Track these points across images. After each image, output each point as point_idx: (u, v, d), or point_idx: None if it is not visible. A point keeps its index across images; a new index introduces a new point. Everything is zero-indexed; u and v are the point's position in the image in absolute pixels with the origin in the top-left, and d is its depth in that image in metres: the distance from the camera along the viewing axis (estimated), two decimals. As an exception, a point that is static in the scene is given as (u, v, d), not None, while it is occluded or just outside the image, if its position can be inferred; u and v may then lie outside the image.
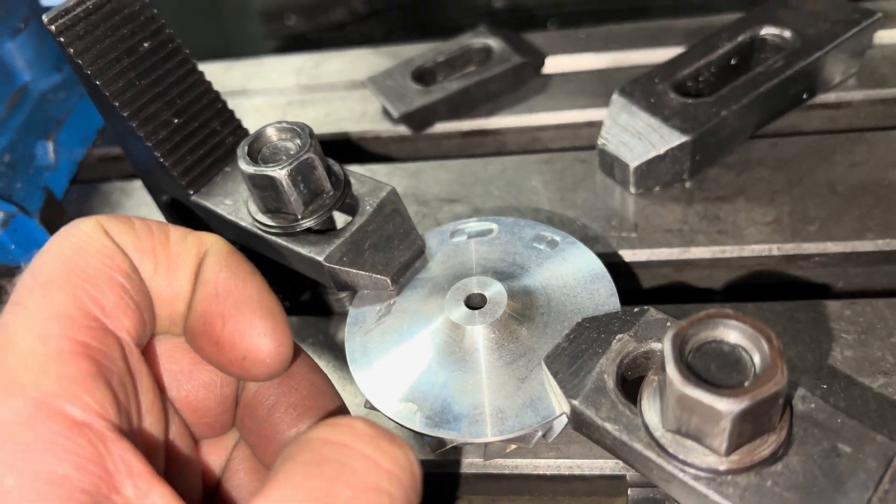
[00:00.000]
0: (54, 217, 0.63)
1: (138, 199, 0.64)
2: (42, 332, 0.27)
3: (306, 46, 1.51)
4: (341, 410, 0.36)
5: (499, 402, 0.39)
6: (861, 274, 0.51)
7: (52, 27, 0.45)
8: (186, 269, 0.32)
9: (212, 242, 0.34)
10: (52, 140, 0.66)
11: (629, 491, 0.41)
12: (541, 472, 0.42)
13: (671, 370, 0.30)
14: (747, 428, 0.30)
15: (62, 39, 0.45)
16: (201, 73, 0.50)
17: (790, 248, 0.50)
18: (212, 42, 1.74)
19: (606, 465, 0.42)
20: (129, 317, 0.29)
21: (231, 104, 0.69)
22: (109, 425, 0.26)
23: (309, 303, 0.57)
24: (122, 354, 0.29)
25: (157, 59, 0.48)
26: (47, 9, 0.80)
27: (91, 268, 0.29)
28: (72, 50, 0.45)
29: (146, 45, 0.48)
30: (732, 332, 0.31)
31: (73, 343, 0.27)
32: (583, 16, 1.25)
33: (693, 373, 0.30)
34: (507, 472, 0.43)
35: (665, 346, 0.31)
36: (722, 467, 0.31)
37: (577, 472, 0.42)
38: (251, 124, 0.68)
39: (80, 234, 0.30)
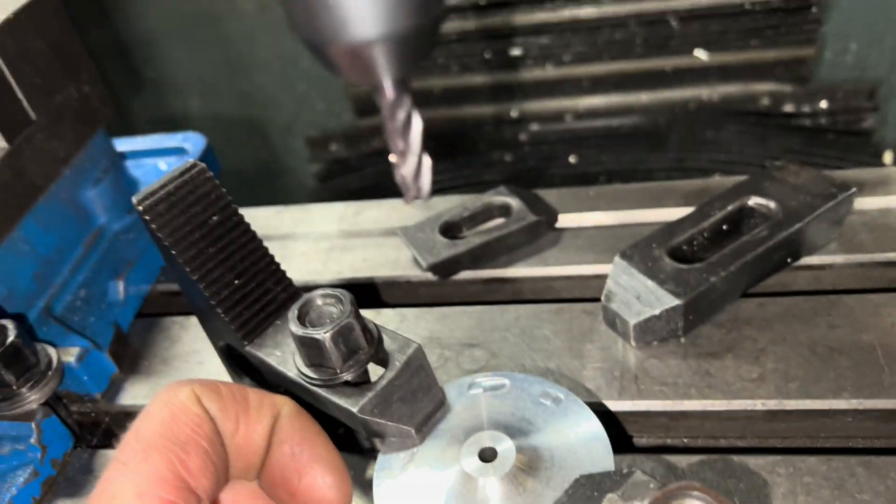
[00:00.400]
0: (122, 350, 0.71)
1: (194, 335, 0.72)
2: (140, 490, 0.34)
3: (347, 170, 1.64)
4: None
5: (505, 548, 0.45)
6: (839, 429, 0.57)
7: (140, 207, 0.55)
8: (262, 430, 0.40)
9: (283, 403, 0.41)
10: (122, 279, 0.75)
11: None
12: None
13: (646, 536, 0.36)
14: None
15: (147, 217, 0.54)
16: (260, 241, 0.58)
17: (773, 404, 0.56)
18: (263, 161, 1.88)
19: None
20: (209, 477, 0.36)
21: (281, 247, 0.78)
22: None
23: (343, 436, 0.63)
24: None
25: (223, 231, 0.57)
26: (124, 157, 0.91)
27: (183, 434, 0.36)
28: (154, 226, 0.54)
29: (215, 218, 0.57)
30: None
31: (163, 502, 0.34)
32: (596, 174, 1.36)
33: (665, 538, 0.36)
34: None
35: (642, 514, 0.37)
36: None
37: None
38: (298, 267, 0.77)
39: (177, 402, 0.38)
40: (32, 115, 0.70)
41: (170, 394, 0.38)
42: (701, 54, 1.35)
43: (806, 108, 1.37)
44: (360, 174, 1.55)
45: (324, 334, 0.51)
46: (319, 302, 0.54)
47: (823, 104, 1.37)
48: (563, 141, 1.42)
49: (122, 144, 0.91)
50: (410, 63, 0.28)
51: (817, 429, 0.57)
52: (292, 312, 0.53)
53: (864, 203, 0.70)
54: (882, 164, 1.31)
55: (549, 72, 1.39)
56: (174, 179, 0.56)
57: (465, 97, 1.45)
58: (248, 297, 0.58)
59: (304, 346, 0.52)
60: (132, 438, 0.36)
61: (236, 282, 0.57)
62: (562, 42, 1.36)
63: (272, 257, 0.59)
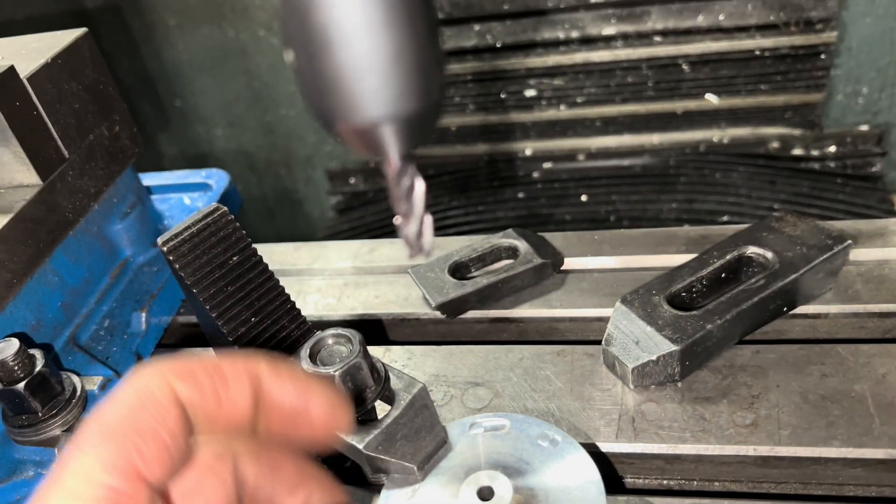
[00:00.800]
0: (141, 380, 0.74)
1: (212, 366, 0.75)
2: (89, 475, 0.35)
3: (365, 203, 1.68)
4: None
5: (500, 584, 0.47)
6: (830, 477, 0.58)
7: (164, 248, 0.58)
8: (245, 396, 0.41)
9: (258, 364, 0.42)
10: (145, 310, 0.79)
11: None
12: None
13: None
14: None
15: (171, 258, 0.58)
16: (276, 280, 0.62)
17: (765, 451, 0.58)
18: (284, 191, 1.92)
19: None
20: (164, 467, 0.37)
21: (297, 282, 0.81)
22: None
23: (349, 470, 0.66)
24: (149, 497, 0.36)
25: (242, 270, 0.60)
26: (150, 192, 0.95)
27: (145, 423, 0.37)
28: (177, 265, 0.58)
29: (235, 258, 0.60)
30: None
31: (109, 490, 0.34)
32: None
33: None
34: None
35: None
36: None
37: None
38: (314, 302, 0.80)
39: (146, 389, 0.38)
40: (66, 153, 0.74)
41: (141, 380, 0.38)
42: (711, 98, 1.39)
43: (815, 153, 1.40)
44: (377, 207, 1.59)
45: (333, 372, 0.53)
46: (330, 341, 0.57)
47: (832, 148, 1.40)
48: (575, 180, 1.45)
49: (149, 179, 0.95)
50: (414, 141, 0.31)
51: (809, 476, 0.59)
52: (304, 350, 0.56)
53: (860, 254, 0.73)
54: (889, 210, 1.33)
55: (563, 112, 1.43)
56: (198, 222, 0.60)
57: (481, 135, 1.49)
58: (262, 333, 0.61)
59: (314, 383, 0.55)
60: (94, 421, 0.37)
61: (252, 319, 0.60)
62: (575, 84, 1.40)
63: (288, 296, 0.63)
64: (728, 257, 0.69)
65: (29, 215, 0.70)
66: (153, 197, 0.94)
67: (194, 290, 0.58)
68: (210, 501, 0.39)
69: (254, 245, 0.62)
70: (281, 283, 0.62)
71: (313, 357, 0.56)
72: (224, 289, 0.59)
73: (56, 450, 0.65)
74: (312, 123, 1.78)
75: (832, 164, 1.39)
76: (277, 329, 0.61)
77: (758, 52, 1.32)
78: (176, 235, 0.59)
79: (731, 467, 0.60)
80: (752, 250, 0.69)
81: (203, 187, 0.95)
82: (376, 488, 0.60)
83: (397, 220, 0.35)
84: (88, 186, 0.78)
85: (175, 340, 0.81)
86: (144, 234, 0.86)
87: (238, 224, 0.61)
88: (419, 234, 0.35)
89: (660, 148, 1.42)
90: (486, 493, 0.51)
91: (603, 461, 0.60)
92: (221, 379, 0.41)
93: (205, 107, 1.88)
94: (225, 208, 0.60)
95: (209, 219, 0.60)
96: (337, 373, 0.53)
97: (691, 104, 1.39)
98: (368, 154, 0.31)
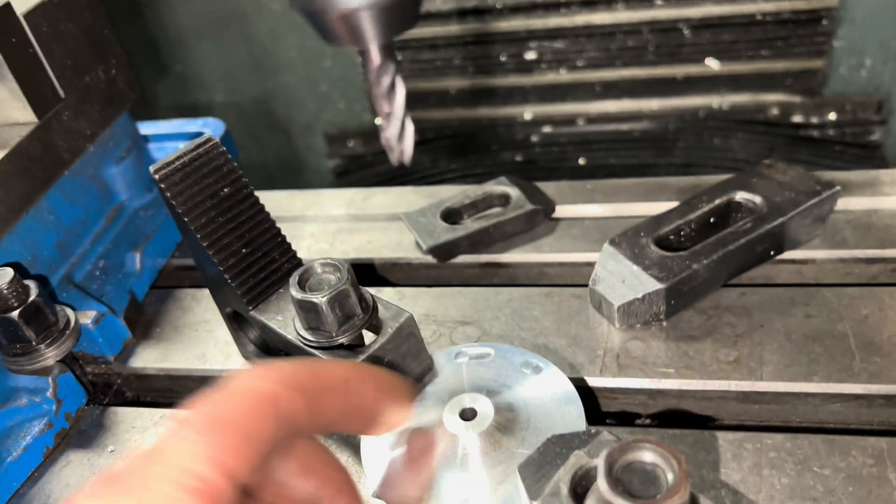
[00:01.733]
0: (136, 317, 0.75)
1: (205, 306, 0.76)
2: (183, 465, 0.34)
3: (363, 166, 1.68)
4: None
5: (479, 501, 0.48)
6: (809, 413, 0.59)
7: (156, 176, 0.59)
8: (337, 408, 0.41)
9: (350, 368, 0.42)
10: (139, 251, 0.79)
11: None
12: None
13: (601, 482, 0.39)
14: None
15: (162, 186, 0.59)
16: (267, 213, 0.62)
17: (746, 386, 0.59)
18: (283, 155, 1.92)
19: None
20: (249, 469, 0.36)
21: (292, 227, 0.82)
22: None
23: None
24: (235, 495, 0.35)
25: (233, 202, 0.61)
26: (146, 140, 0.96)
27: (246, 427, 0.36)
28: (169, 194, 0.58)
29: (226, 189, 0.61)
30: (652, 455, 0.40)
31: (200, 480, 0.34)
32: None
33: (620, 485, 0.39)
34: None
35: (599, 464, 0.40)
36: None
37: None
38: (307, 246, 0.81)
39: (255, 392, 0.37)
40: (62, 93, 0.75)
41: (250, 381, 0.38)
42: (712, 63, 1.38)
43: (814, 120, 1.40)
44: (376, 170, 1.59)
45: (321, 298, 0.54)
46: (319, 270, 0.57)
47: (832, 116, 1.39)
48: (574, 143, 1.45)
49: (146, 128, 0.96)
50: (394, 30, 0.31)
51: (789, 412, 0.60)
52: (293, 278, 0.57)
53: (850, 203, 0.73)
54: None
55: (563, 76, 1.43)
56: (189, 152, 0.60)
57: (480, 98, 1.49)
58: (253, 265, 0.61)
59: (302, 310, 0.56)
60: (200, 409, 0.37)
61: (244, 250, 0.61)
62: (576, 47, 1.39)
63: (279, 230, 0.63)
64: (717, 202, 0.69)
65: (24, 152, 0.71)
66: (150, 145, 0.94)
67: (185, 218, 0.59)
68: None
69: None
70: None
71: (302, 285, 0.56)
72: (215, 219, 0.60)
73: (49, 379, 0.66)
74: (313, 90, 1.78)
75: (831, 132, 1.39)
76: (268, 261, 0.62)
77: (759, 17, 1.32)
78: (168, 164, 0.59)
79: (713, 402, 0.61)
80: (741, 195, 0.70)
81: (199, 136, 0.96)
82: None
83: (378, 121, 0.36)
84: (84, 128, 0.78)
85: (170, 283, 0.82)
86: (140, 180, 0.86)
87: (230, 156, 0.62)
88: (400, 136, 0.36)
89: (659, 113, 1.41)
90: (468, 414, 0.51)
91: (586, 394, 0.61)
92: (325, 392, 0.40)
93: (206, 73, 1.88)
94: (216, 139, 0.61)
95: (201, 149, 0.60)
96: (324, 298, 0.54)
97: (692, 69, 1.39)
98: (351, 44, 0.32)
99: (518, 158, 1.45)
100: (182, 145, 0.96)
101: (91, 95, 0.79)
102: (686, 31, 1.36)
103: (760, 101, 1.40)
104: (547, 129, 1.47)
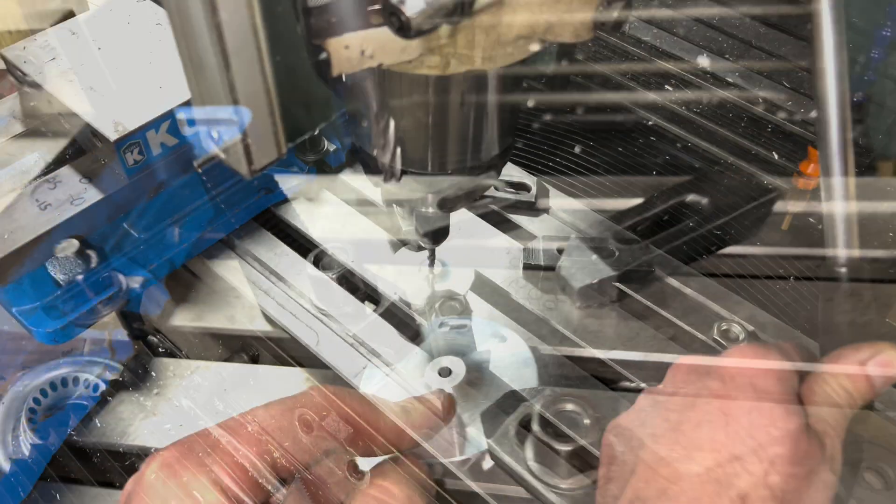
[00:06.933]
0: (174, 283, 0.89)
1: (234, 276, 0.89)
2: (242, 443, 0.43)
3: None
4: None
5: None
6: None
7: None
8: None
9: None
10: (178, 226, 0.92)
11: None
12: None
13: (534, 424, 0.52)
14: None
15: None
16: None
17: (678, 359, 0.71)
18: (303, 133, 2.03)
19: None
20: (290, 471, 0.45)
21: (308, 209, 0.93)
22: None
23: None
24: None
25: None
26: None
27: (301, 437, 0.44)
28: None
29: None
30: (573, 406, 0.53)
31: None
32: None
33: (549, 426, 0.52)
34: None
35: (534, 411, 0.53)
36: (564, 487, 0.53)
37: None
38: (321, 227, 0.92)
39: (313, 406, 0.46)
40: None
41: (315, 399, 0.47)
42: (701, 60, 1.48)
43: (797, 117, 1.49)
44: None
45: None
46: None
47: (814, 114, 1.48)
48: (572, 132, 1.55)
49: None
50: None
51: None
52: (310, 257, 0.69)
53: (787, 206, 0.84)
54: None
55: (563, 67, 1.53)
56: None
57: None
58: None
59: None
60: (264, 411, 0.46)
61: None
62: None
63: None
64: (670, 202, 0.81)
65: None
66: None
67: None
68: None
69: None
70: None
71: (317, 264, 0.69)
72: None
73: (106, 332, 0.80)
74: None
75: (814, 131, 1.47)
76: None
77: (747, 20, 1.41)
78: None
79: (653, 371, 0.73)
80: (690, 197, 0.81)
81: (229, 123, 1.08)
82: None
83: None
84: (133, 118, 0.90)
85: (205, 255, 0.95)
86: (177, 162, 0.99)
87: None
88: (392, 157, 0.48)
89: (649, 106, 1.51)
90: (444, 372, 0.64)
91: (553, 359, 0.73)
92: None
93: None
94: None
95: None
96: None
97: (681, 65, 1.48)
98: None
99: (518, 145, 1.55)
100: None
101: (139, 90, 0.91)
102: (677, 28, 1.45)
103: (747, 97, 1.49)
104: (547, 117, 1.58)
